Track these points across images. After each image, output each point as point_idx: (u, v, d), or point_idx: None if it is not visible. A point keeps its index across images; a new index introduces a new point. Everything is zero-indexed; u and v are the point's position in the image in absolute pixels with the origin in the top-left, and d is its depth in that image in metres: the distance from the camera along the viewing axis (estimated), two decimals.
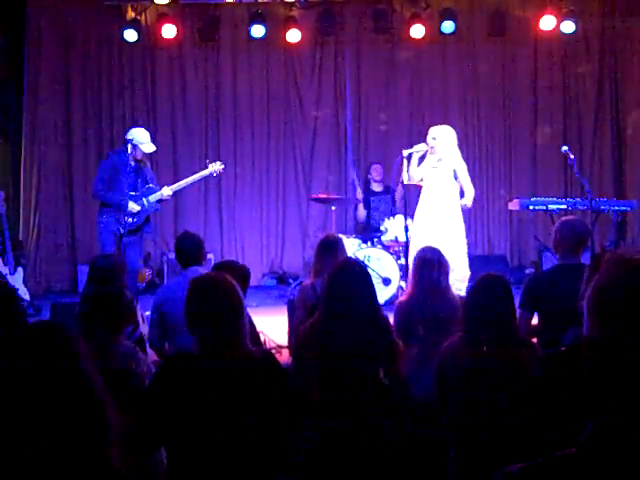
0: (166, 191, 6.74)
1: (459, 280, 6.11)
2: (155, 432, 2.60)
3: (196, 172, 7.00)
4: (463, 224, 6.54)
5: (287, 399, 2.69)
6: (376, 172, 8.62)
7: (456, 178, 6.51)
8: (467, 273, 6.39)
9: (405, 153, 6.48)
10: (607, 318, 1.51)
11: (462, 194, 6.58)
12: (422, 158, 6.65)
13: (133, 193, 6.62)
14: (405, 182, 6.54)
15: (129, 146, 6.54)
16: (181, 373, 2.61)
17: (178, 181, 7.08)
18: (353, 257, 6.66)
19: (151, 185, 6.71)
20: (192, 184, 7.10)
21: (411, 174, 6.60)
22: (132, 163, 6.58)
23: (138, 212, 6.58)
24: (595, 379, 1.42)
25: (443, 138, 6.51)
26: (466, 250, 6.53)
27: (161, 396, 2.59)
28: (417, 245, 6.26)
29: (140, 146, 6.61)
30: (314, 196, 8.38)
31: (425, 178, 6.62)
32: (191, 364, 2.64)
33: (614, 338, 1.45)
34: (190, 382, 2.58)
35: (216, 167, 6.92)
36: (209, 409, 2.55)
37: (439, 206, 6.47)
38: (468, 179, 6.55)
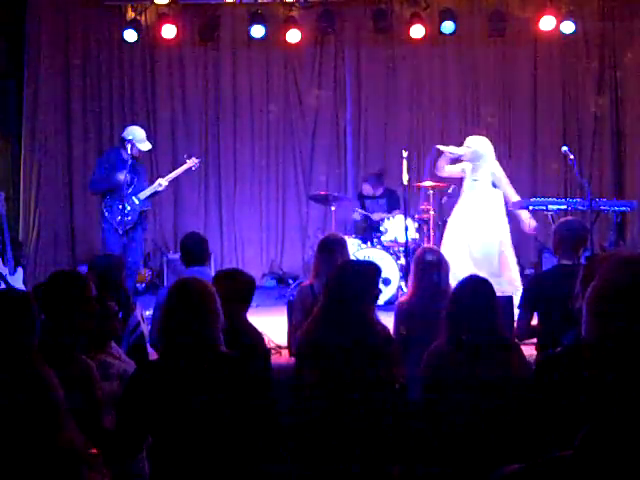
0: (162, 182, 6.99)
1: (507, 282, 6.23)
2: (134, 436, 2.67)
3: (195, 178, 7.28)
4: (508, 229, 6.61)
5: (258, 397, 2.74)
6: (366, 190, 8.59)
7: (494, 186, 6.60)
8: (517, 277, 6.47)
9: (440, 147, 6.67)
10: (606, 318, 1.51)
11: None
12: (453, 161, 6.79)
13: (130, 190, 6.81)
14: (404, 182, 6.55)
15: (128, 145, 6.70)
16: (150, 380, 2.66)
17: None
18: (357, 258, 6.70)
19: (138, 184, 6.89)
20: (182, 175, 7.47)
21: (440, 165, 6.72)
22: (129, 161, 6.73)
23: (130, 210, 6.73)
24: (593, 379, 1.42)
25: (478, 148, 6.63)
26: (514, 255, 6.63)
27: (134, 403, 2.66)
28: (453, 253, 6.43)
29: (137, 144, 6.81)
30: (313, 194, 8.41)
31: (466, 188, 6.74)
32: (156, 372, 2.70)
33: (613, 338, 1.45)
34: (156, 389, 2.63)
35: (195, 161, 7.23)
36: (182, 411, 2.60)
37: (482, 214, 6.56)
38: (508, 184, 6.63)
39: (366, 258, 7.29)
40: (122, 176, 6.65)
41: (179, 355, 2.65)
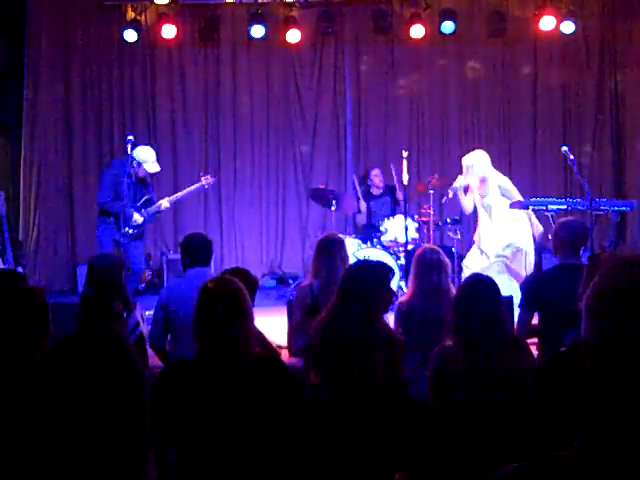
0: (165, 203, 6.99)
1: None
2: (162, 434, 2.65)
3: (195, 178, 7.32)
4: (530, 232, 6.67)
5: (290, 401, 2.72)
6: (377, 178, 8.52)
7: (503, 195, 6.64)
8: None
9: (451, 194, 6.77)
10: (604, 319, 1.50)
11: None
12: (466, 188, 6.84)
13: (141, 202, 6.83)
14: (404, 182, 6.56)
15: (133, 162, 6.62)
16: (182, 379, 2.65)
17: (176, 191, 7.56)
18: (357, 258, 6.69)
19: (148, 197, 6.90)
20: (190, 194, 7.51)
21: (464, 207, 6.84)
22: (133, 178, 6.70)
23: (141, 223, 6.73)
24: (593, 381, 1.42)
25: (476, 163, 6.66)
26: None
27: (163, 402, 2.63)
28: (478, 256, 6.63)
29: (144, 165, 6.75)
30: (313, 187, 8.42)
31: (478, 207, 6.79)
32: (192, 369, 2.68)
33: (611, 339, 1.44)
34: (191, 387, 2.61)
35: (209, 180, 7.32)
36: (212, 412, 2.58)
37: (503, 231, 6.60)
38: (517, 192, 6.64)
39: (366, 258, 7.29)
40: (126, 195, 6.57)
41: (215, 355, 2.65)
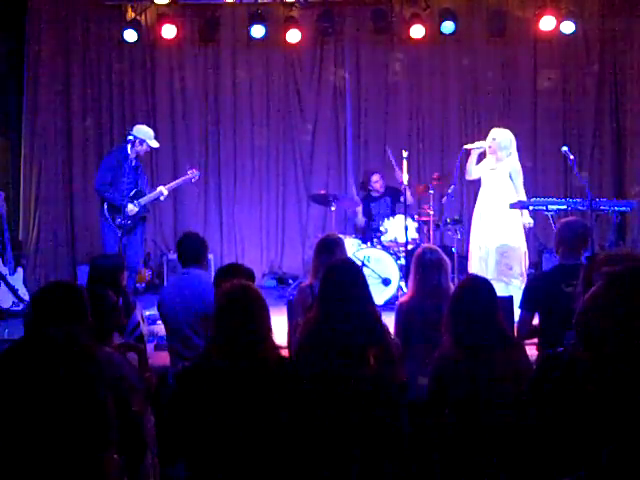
0: (164, 191, 7.05)
1: (516, 277, 6.29)
2: (179, 442, 2.74)
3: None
4: (521, 225, 6.62)
5: (287, 402, 2.80)
6: (378, 184, 8.48)
7: (511, 179, 6.62)
8: (524, 271, 6.52)
9: (467, 147, 6.70)
10: (594, 335, 1.48)
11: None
12: (480, 158, 6.77)
13: (132, 193, 6.83)
14: (405, 182, 6.53)
15: (132, 144, 6.70)
16: (199, 384, 2.75)
17: (176, 191, 7.70)
18: (346, 257, 6.68)
19: (137, 189, 6.93)
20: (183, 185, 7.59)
21: (469, 170, 6.75)
22: (133, 161, 6.76)
23: (135, 214, 6.77)
24: (598, 394, 1.40)
25: (502, 140, 6.61)
26: (525, 249, 6.61)
27: (184, 408, 2.73)
28: (475, 247, 6.58)
29: (148, 141, 6.86)
30: (313, 193, 8.42)
31: (483, 179, 6.73)
32: (208, 372, 2.77)
33: (604, 357, 1.42)
34: (208, 389, 2.71)
35: (195, 173, 7.32)
36: (223, 413, 2.68)
37: (496, 208, 6.54)
38: (521, 183, 6.62)
39: (366, 258, 7.29)
40: (126, 183, 6.64)
41: (234, 357, 2.74)
